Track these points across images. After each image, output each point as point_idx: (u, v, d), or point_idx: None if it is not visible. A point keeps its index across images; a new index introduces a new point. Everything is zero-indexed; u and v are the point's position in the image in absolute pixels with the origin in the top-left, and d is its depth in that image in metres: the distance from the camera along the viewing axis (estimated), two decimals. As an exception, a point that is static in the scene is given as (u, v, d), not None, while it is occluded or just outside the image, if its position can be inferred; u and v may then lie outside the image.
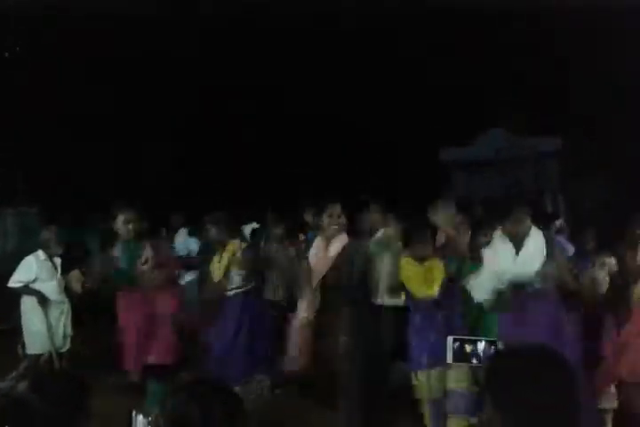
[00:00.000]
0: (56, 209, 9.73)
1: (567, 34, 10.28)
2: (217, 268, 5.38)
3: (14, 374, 5.52)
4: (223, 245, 5.39)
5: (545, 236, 4.35)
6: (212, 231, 5.42)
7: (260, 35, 12.25)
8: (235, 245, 5.36)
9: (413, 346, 4.51)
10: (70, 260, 6.36)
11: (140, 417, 2.10)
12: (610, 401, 4.44)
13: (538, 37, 10.77)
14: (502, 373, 2.15)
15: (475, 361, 3.22)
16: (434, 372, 4.36)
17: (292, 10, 11.03)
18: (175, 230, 9.26)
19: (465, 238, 5.01)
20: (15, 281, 6.10)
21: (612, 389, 4.42)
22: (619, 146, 9.87)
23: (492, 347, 3.26)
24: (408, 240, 4.63)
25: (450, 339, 3.21)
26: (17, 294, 6.15)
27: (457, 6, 10.08)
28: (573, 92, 10.82)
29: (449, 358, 3.21)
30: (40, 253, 6.13)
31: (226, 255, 5.33)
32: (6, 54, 11.29)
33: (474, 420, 4.29)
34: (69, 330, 6.18)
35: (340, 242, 5.05)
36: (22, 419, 1.83)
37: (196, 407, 1.86)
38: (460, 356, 3.24)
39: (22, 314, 6.14)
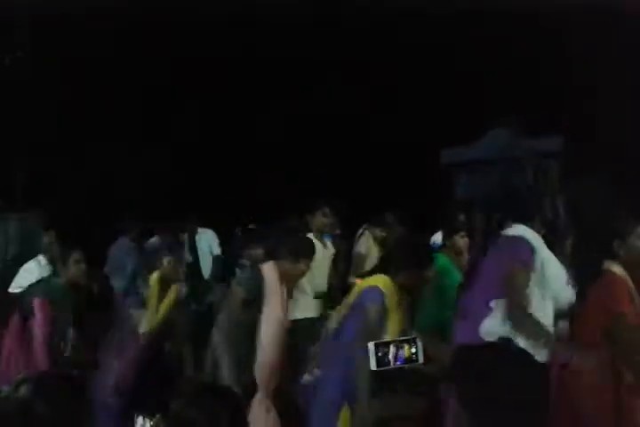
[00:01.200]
0: (57, 214, 9.74)
1: (569, 34, 10.28)
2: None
3: (17, 376, 5.49)
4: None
5: None
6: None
7: (261, 34, 12.27)
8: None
9: None
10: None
11: (142, 419, 2.10)
12: None
13: (539, 37, 10.78)
14: (467, 371, 2.12)
15: (398, 363, 3.17)
16: None
17: (293, 9, 11.03)
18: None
19: None
20: (17, 286, 6.10)
21: None
22: (619, 146, 9.86)
23: (413, 346, 3.20)
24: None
25: (371, 345, 3.14)
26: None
27: (458, 6, 10.09)
28: (575, 92, 10.81)
29: (372, 365, 3.14)
30: (41, 257, 6.14)
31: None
32: (7, 59, 11.31)
33: None
34: (70, 335, 6.17)
35: None
36: (24, 422, 1.82)
37: (199, 410, 1.85)
38: (384, 361, 3.18)
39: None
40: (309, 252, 4.24)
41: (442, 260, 4.92)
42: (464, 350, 3.15)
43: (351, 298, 3.91)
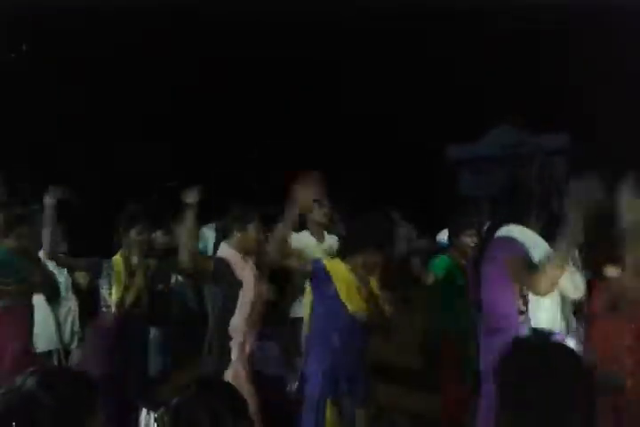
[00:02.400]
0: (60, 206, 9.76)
1: (570, 33, 10.26)
2: None
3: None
4: None
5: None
6: None
7: (263, 34, 12.25)
8: None
9: None
10: (75, 257, 6.38)
11: (146, 413, 2.11)
12: None
13: (540, 36, 10.76)
14: (512, 372, 2.12)
15: None
16: None
17: (289, 6, 11.02)
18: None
19: None
20: (22, 279, 6.13)
21: None
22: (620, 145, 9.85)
23: None
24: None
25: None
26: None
27: (458, 6, 10.06)
28: (579, 90, 10.79)
29: None
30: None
31: None
32: (13, 55, 11.32)
33: None
34: (77, 327, 6.23)
35: None
36: (30, 415, 1.85)
37: (202, 406, 1.87)
38: None
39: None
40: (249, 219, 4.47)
41: (443, 262, 4.75)
42: (510, 351, 3.03)
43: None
